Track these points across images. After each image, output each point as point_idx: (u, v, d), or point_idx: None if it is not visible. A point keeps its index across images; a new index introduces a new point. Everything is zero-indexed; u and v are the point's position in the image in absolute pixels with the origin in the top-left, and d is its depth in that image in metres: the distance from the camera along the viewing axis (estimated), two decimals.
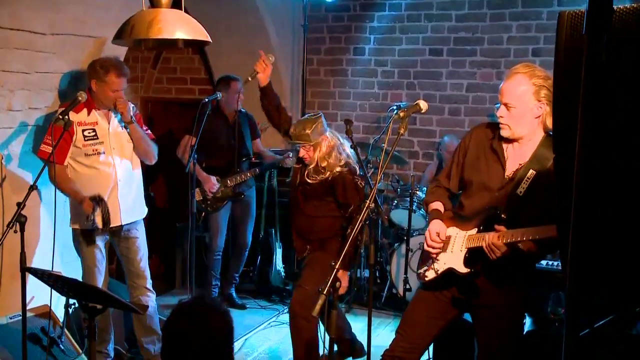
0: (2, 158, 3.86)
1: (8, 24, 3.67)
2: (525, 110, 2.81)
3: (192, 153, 4.68)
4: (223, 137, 5.48)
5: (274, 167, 5.83)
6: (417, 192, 5.55)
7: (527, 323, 3.65)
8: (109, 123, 4.09)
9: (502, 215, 2.81)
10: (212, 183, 5.42)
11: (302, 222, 4.18)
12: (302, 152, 4.06)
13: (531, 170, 2.81)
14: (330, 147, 4.02)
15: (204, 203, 5.44)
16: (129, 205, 4.17)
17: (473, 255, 2.91)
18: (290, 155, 5.34)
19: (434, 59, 6.62)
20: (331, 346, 2.46)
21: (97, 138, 4.03)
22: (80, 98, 3.63)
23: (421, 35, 6.64)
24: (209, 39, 2.96)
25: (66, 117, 3.45)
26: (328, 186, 4.04)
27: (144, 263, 4.28)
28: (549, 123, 2.79)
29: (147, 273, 4.31)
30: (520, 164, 2.88)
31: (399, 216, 5.75)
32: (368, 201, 2.55)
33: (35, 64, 3.96)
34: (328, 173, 4.02)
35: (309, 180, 4.08)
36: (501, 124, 2.89)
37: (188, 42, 3.18)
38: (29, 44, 3.87)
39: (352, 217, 4.00)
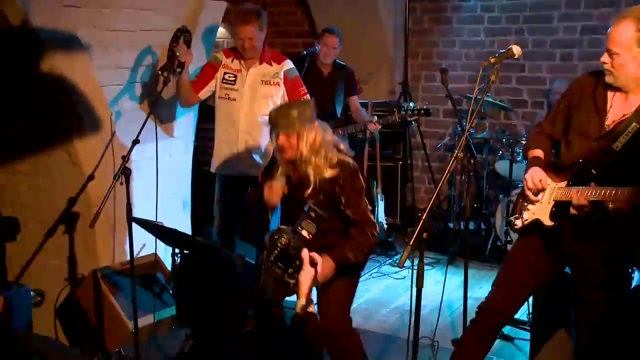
0: (112, 114, 4.06)
1: None
2: (628, 58, 2.66)
3: None
4: (312, 92, 5.43)
5: (356, 130, 5.54)
6: (523, 142, 5.35)
7: (636, 278, 3.46)
8: (247, 72, 4.21)
9: (593, 171, 2.70)
10: None
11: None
12: (282, 140, 3.07)
13: (634, 124, 2.65)
14: (319, 141, 3.07)
15: None
16: (249, 159, 4.24)
17: (560, 209, 2.81)
18: (375, 119, 5.22)
19: (545, 1, 6.26)
20: (418, 297, 2.44)
21: (234, 84, 4.21)
22: (178, 53, 3.75)
23: None
24: None
25: (165, 72, 3.61)
26: (326, 196, 3.07)
27: (274, 218, 4.35)
28: None
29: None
30: (624, 115, 2.73)
31: (504, 167, 5.60)
32: (456, 151, 2.48)
33: (140, 22, 4.11)
34: (314, 178, 3.07)
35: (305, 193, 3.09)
36: (605, 70, 2.75)
37: None
38: (134, 3, 4.02)
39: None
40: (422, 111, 5.21)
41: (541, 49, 6.28)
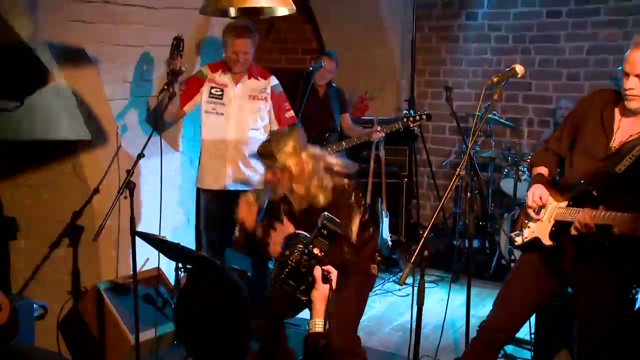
0: (118, 128, 4.08)
1: (122, 0, 3.86)
2: None
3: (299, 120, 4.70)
4: (311, 110, 5.46)
5: (360, 141, 5.54)
6: (528, 160, 5.35)
7: None
8: (235, 86, 4.23)
9: (594, 193, 2.69)
10: None
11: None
12: (269, 176, 3.11)
13: (639, 147, 2.63)
14: (308, 171, 3.03)
15: None
16: (237, 173, 4.26)
17: (560, 229, 2.81)
18: (379, 129, 5.26)
19: (552, 21, 6.30)
20: (419, 315, 2.43)
21: (221, 99, 4.21)
22: (183, 69, 3.77)
23: None
24: (293, 8, 2.90)
25: (170, 87, 3.63)
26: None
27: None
28: None
29: None
30: (630, 136, 2.71)
31: (509, 185, 5.60)
32: (458, 169, 2.48)
33: (148, 37, 4.15)
34: (308, 203, 3.05)
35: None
36: (630, 95, 2.68)
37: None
38: (143, 19, 4.05)
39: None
40: (424, 116, 5.21)
41: (548, 68, 6.30)
